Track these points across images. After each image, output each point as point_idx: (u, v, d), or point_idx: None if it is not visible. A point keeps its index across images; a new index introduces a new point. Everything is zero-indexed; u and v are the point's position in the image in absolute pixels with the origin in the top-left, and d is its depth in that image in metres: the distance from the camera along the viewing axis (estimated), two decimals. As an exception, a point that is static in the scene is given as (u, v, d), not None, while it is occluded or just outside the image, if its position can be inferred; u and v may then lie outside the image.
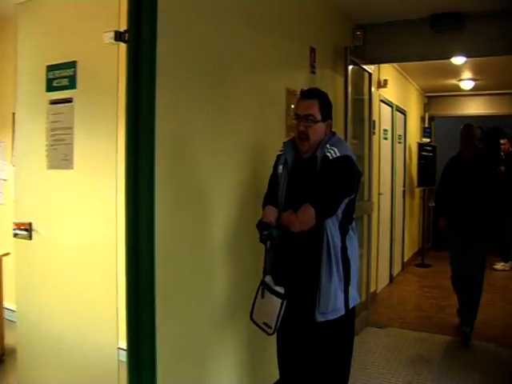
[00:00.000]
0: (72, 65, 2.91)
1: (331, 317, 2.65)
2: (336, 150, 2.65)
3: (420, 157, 8.73)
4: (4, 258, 4.11)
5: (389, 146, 7.23)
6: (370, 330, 5.26)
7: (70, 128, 2.90)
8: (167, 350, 2.67)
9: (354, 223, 2.83)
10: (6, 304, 4.27)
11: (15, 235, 3.12)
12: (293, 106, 3.92)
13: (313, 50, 4.41)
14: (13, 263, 3.32)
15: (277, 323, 2.59)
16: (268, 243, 2.66)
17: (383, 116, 6.83)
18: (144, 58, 2.62)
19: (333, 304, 2.63)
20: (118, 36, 2.68)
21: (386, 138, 7.03)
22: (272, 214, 2.75)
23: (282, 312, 2.59)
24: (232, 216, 3.23)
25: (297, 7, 4.12)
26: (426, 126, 10.00)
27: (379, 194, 6.61)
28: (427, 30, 4.99)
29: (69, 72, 2.92)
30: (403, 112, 8.21)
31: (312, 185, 2.63)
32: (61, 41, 3.01)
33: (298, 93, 2.88)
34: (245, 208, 3.33)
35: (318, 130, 2.71)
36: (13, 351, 3.89)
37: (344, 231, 2.71)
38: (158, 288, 2.59)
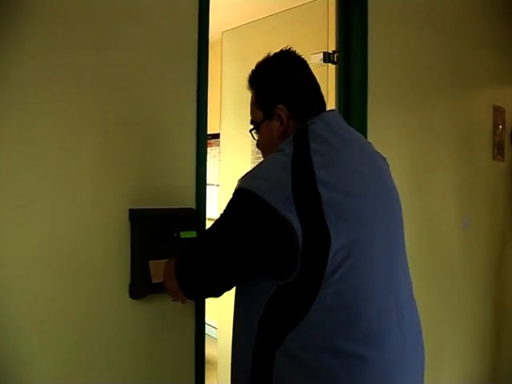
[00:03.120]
0: (278, 88, 2.92)
1: None
2: (247, 174, 1.37)
3: None
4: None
5: None
6: None
7: (276, 151, 2.90)
8: None
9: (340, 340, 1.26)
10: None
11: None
12: (500, 127, 3.63)
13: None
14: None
15: None
16: None
17: None
18: (355, 78, 2.56)
19: None
20: (327, 57, 2.65)
21: None
22: None
23: None
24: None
25: (506, 19, 3.81)
26: None
27: None
28: None
29: (274, 95, 2.94)
30: None
31: None
32: (266, 64, 3.04)
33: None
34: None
35: (266, 138, 1.51)
36: (207, 363, 4.08)
37: (270, 343, 1.30)
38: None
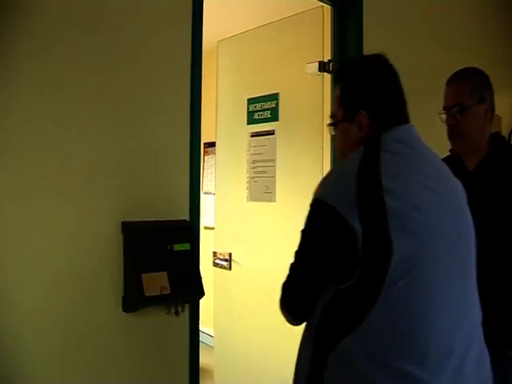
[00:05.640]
0: (274, 97, 2.92)
1: None
2: (320, 182, 1.38)
3: None
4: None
5: None
6: None
7: (273, 160, 2.89)
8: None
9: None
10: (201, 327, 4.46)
11: (215, 265, 3.19)
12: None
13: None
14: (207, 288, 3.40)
15: None
16: None
17: None
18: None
19: None
20: (322, 66, 2.65)
21: None
22: None
23: None
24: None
25: (501, 28, 3.81)
26: None
27: None
28: None
29: (271, 104, 2.94)
30: None
31: None
32: (262, 74, 3.04)
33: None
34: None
35: (343, 140, 1.49)
36: (202, 370, 4.07)
37: (325, 347, 1.29)
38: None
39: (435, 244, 1.25)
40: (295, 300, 1.42)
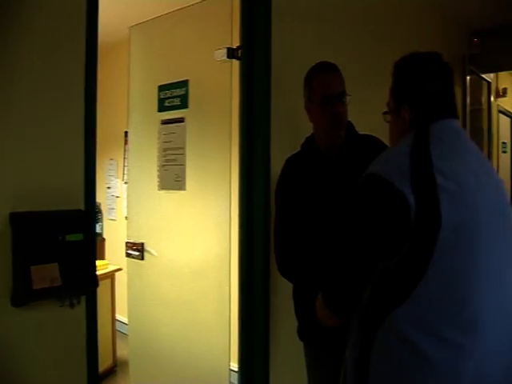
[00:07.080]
0: (184, 84, 2.87)
1: None
2: (373, 161, 1.47)
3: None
4: (117, 273, 4.19)
5: (508, 161, 6.71)
6: None
7: (182, 148, 2.86)
8: (280, 372, 2.57)
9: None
10: (120, 317, 4.41)
11: (128, 255, 3.13)
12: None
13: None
14: (125, 278, 3.35)
15: None
16: None
17: (502, 128, 6.36)
18: (258, 74, 2.54)
19: None
20: (231, 53, 2.63)
21: (504, 152, 6.54)
22: None
23: None
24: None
25: (406, 17, 3.90)
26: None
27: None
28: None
29: (180, 91, 2.89)
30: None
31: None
32: (172, 60, 3.00)
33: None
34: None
35: (391, 129, 1.64)
36: (125, 363, 4.00)
37: (374, 323, 1.38)
38: (272, 308, 2.51)
39: (479, 222, 1.36)
40: (345, 289, 1.44)
